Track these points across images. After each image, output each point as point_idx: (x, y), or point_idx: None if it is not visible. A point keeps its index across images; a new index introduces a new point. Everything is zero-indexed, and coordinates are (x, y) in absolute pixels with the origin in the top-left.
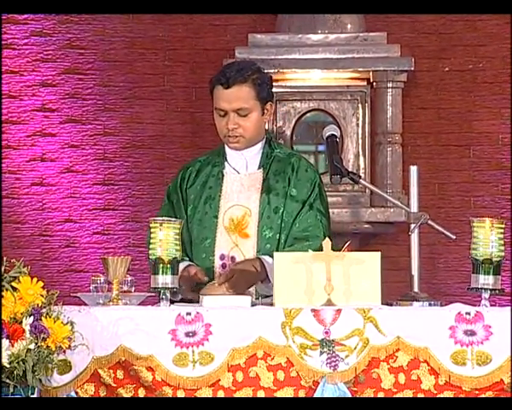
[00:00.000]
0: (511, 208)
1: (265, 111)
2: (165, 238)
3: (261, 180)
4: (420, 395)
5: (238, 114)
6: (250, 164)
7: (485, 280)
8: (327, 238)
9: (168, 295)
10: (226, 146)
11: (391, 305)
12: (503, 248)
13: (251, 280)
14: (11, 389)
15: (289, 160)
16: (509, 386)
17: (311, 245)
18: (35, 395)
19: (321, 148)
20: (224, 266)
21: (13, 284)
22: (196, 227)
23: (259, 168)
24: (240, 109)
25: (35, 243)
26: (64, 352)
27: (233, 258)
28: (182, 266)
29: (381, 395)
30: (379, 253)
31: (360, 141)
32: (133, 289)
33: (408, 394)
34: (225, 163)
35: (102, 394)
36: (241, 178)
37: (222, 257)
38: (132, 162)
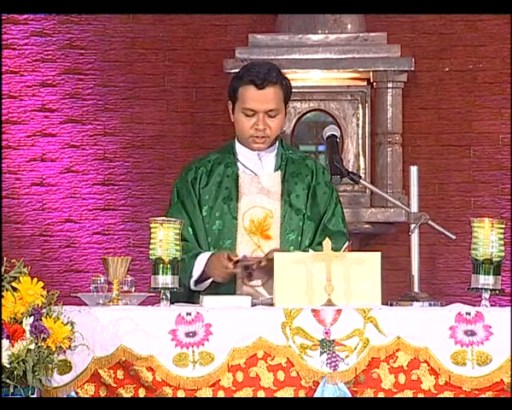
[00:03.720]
0: (511, 208)
1: (286, 113)
2: (165, 238)
3: (280, 182)
4: (420, 396)
5: (268, 115)
6: (266, 165)
7: (486, 280)
8: (327, 239)
9: (168, 295)
10: (239, 146)
11: (391, 305)
12: (503, 248)
13: None
14: (11, 390)
15: (304, 162)
16: (509, 386)
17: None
18: (35, 396)
19: (321, 148)
20: (246, 267)
21: (13, 284)
22: (215, 228)
23: (276, 170)
24: (271, 110)
25: (35, 243)
26: (64, 352)
27: None
28: (204, 256)
29: (381, 395)
30: (379, 253)
31: (360, 141)
32: (133, 289)
33: (408, 394)
34: (238, 163)
35: (103, 394)
36: (259, 179)
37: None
38: (132, 162)
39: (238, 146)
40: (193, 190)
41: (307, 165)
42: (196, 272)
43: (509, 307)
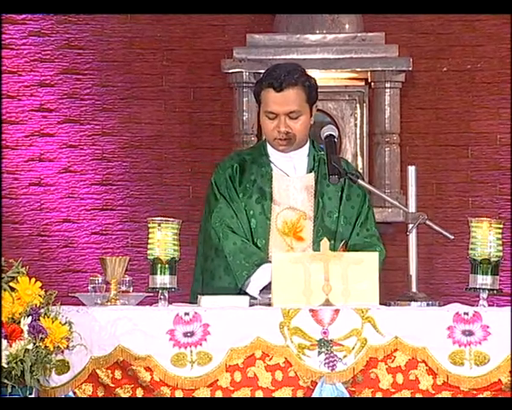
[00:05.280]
0: (511, 209)
1: (312, 113)
2: (163, 238)
3: (313, 184)
4: (418, 395)
5: (289, 117)
6: (298, 166)
7: (484, 280)
8: (324, 239)
9: (166, 295)
10: (271, 148)
11: (389, 305)
12: (501, 248)
13: None
14: (9, 390)
15: None
16: (507, 386)
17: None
18: (33, 396)
19: None
20: None
21: (11, 284)
22: (250, 226)
23: (310, 171)
24: (291, 112)
25: (33, 243)
26: (62, 352)
27: None
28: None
29: (379, 395)
30: (377, 253)
31: (358, 141)
32: (131, 289)
33: (406, 394)
34: (271, 164)
35: (100, 394)
36: (293, 180)
37: None
38: (130, 162)
39: (269, 147)
40: (232, 185)
41: None
42: (260, 281)
43: (507, 307)
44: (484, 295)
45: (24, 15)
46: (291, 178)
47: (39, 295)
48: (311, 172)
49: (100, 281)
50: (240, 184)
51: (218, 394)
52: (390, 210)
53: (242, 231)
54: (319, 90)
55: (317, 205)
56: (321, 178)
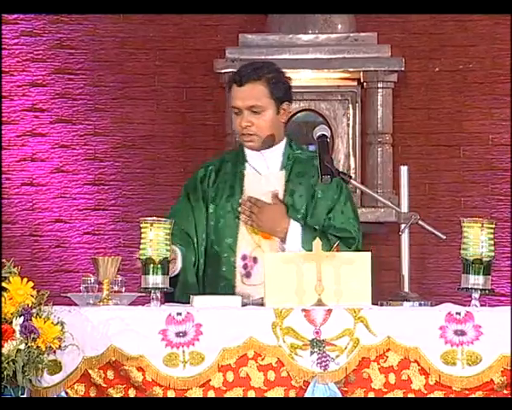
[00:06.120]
0: (511, 210)
1: (282, 111)
2: (155, 238)
3: (283, 181)
4: (410, 395)
5: (251, 112)
6: (271, 165)
7: (476, 280)
8: (317, 239)
9: (159, 295)
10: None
11: (381, 305)
12: (493, 248)
13: (274, 226)
14: (1, 390)
15: (312, 162)
16: (499, 386)
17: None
18: (25, 396)
19: (311, 148)
20: (245, 266)
21: (3, 284)
22: (218, 226)
23: (281, 169)
24: (252, 107)
25: (25, 243)
26: (54, 352)
27: (255, 259)
28: None
29: (371, 395)
30: (369, 253)
31: (351, 141)
32: (123, 289)
33: (398, 394)
34: (245, 163)
35: (93, 394)
36: (263, 178)
37: (244, 257)
38: (123, 162)
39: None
40: (200, 186)
41: (314, 164)
42: None
43: (499, 307)
44: (476, 295)
45: (16, 15)
46: (262, 176)
47: (31, 296)
48: (282, 170)
49: (92, 281)
50: (213, 184)
51: (211, 394)
52: (382, 210)
53: (193, 227)
54: (312, 90)
55: (285, 203)
56: (293, 176)
